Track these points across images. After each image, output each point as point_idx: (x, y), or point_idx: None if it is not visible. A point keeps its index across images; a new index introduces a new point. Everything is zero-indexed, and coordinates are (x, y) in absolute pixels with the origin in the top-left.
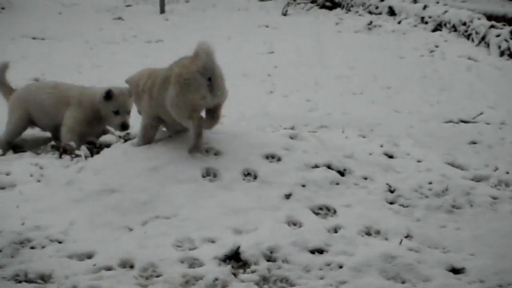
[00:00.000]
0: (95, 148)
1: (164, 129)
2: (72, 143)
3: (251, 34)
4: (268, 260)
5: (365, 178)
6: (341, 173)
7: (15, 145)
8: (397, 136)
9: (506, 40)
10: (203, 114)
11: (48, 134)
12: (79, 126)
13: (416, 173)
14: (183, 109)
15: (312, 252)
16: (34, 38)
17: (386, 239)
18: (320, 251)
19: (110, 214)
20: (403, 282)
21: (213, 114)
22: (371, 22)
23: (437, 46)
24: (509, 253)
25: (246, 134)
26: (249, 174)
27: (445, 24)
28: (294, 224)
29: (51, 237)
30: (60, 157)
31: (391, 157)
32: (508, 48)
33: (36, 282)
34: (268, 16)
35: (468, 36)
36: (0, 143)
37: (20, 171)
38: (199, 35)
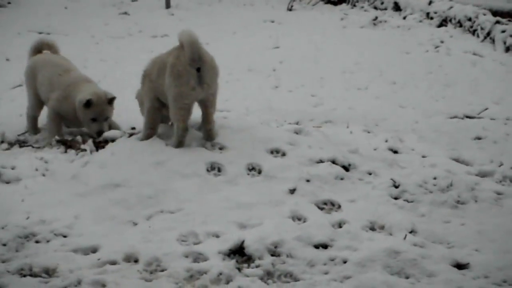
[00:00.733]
0: (99, 143)
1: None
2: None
3: (257, 29)
4: (272, 255)
5: (370, 173)
6: (346, 168)
7: (19, 140)
8: (402, 132)
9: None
10: (198, 113)
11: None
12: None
13: (421, 168)
14: (177, 99)
15: (317, 247)
16: (40, 33)
17: (391, 234)
18: (325, 246)
19: (115, 208)
20: (407, 277)
21: (205, 122)
22: (376, 18)
23: (442, 42)
24: None
25: (250, 129)
26: (253, 169)
27: (450, 20)
28: (299, 219)
29: (56, 231)
30: (65, 151)
31: (395, 152)
32: None
33: (40, 276)
34: (274, 11)
35: (474, 32)
36: (27, 119)
37: (25, 166)
38: (205, 30)
